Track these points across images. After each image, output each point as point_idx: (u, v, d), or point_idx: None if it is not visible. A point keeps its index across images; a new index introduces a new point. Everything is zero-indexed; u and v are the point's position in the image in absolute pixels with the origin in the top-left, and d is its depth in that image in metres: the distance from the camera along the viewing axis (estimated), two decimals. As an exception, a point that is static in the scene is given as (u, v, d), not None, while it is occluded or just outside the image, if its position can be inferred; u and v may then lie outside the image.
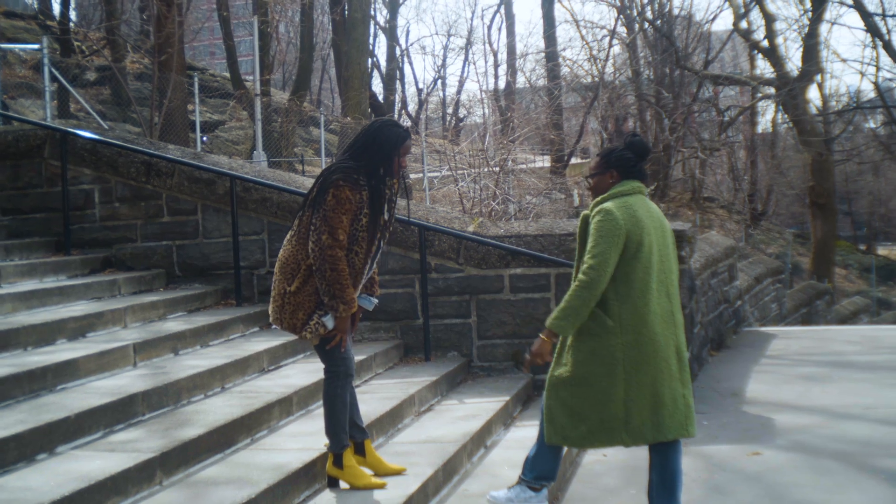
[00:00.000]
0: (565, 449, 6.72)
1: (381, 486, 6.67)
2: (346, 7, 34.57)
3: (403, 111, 59.85)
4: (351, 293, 6.49)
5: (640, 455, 8.71)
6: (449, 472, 7.42)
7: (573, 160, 48.14)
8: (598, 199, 6.52)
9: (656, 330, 6.31)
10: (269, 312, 6.78)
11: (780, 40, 43.07)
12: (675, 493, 6.54)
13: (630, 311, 6.29)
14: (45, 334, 8.53)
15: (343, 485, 6.76)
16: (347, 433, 6.73)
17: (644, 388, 6.31)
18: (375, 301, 7.06)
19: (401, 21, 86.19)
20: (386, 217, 6.84)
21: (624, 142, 6.69)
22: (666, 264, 6.49)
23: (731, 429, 9.59)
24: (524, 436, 8.77)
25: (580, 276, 6.29)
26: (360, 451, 6.93)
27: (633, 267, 6.29)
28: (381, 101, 47.20)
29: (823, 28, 44.80)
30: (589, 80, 48.98)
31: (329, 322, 6.54)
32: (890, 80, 53.91)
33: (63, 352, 8.12)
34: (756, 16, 48.59)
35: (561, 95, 46.26)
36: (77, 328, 8.92)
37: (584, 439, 6.49)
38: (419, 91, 66.35)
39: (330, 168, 6.68)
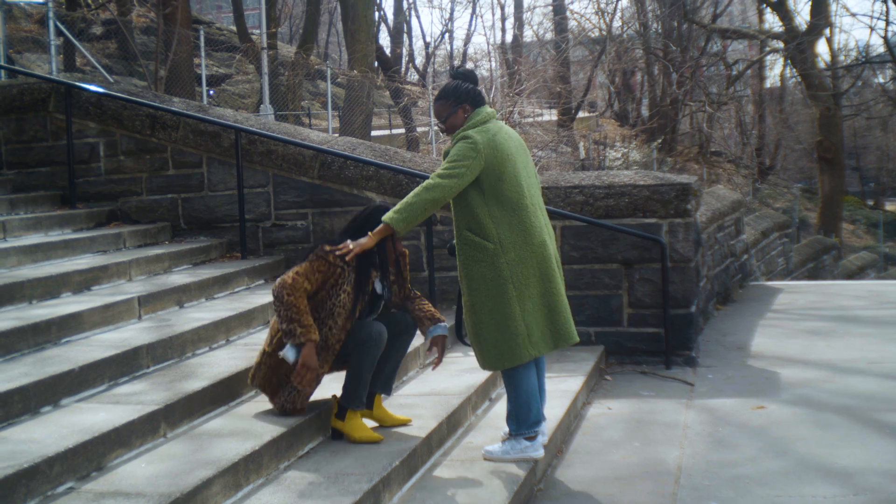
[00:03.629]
0: (536, 386, 6.78)
1: (379, 440, 6.71)
2: (353, -40, 34.42)
3: (410, 64, 59.61)
4: (309, 319, 6.43)
5: (644, 408, 8.76)
6: (453, 424, 7.43)
7: (580, 113, 48.08)
8: (458, 131, 6.68)
9: (536, 243, 6.57)
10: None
11: (788, -7, 42.83)
12: (543, 401, 6.94)
13: (507, 230, 6.51)
14: (49, 287, 8.53)
15: (370, 424, 6.95)
16: (366, 392, 6.78)
17: (535, 300, 6.59)
18: (445, 324, 7.14)
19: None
20: (381, 292, 6.97)
21: (455, 76, 6.90)
22: (531, 180, 6.76)
23: (736, 382, 9.60)
24: (529, 389, 8.79)
25: (430, 178, 6.48)
26: (368, 403, 6.98)
27: (501, 189, 6.52)
28: (388, 55, 47.00)
29: (833, -19, 44.89)
30: (596, 33, 48.99)
31: (288, 353, 6.47)
32: (899, 34, 53.64)
33: (68, 305, 8.12)
34: (765, -32, 48.32)
35: (568, 49, 46.24)
36: (82, 281, 8.93)
37: (498, 362, 6.66)
38: (426, 44, 65.82)
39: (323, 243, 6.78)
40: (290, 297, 6.41)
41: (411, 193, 6.53)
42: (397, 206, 6.50)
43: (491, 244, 6.52)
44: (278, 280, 6.50)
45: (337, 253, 6.55)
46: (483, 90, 7.03)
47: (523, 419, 6.77)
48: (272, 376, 6.70)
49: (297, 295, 6.43)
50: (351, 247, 6.57)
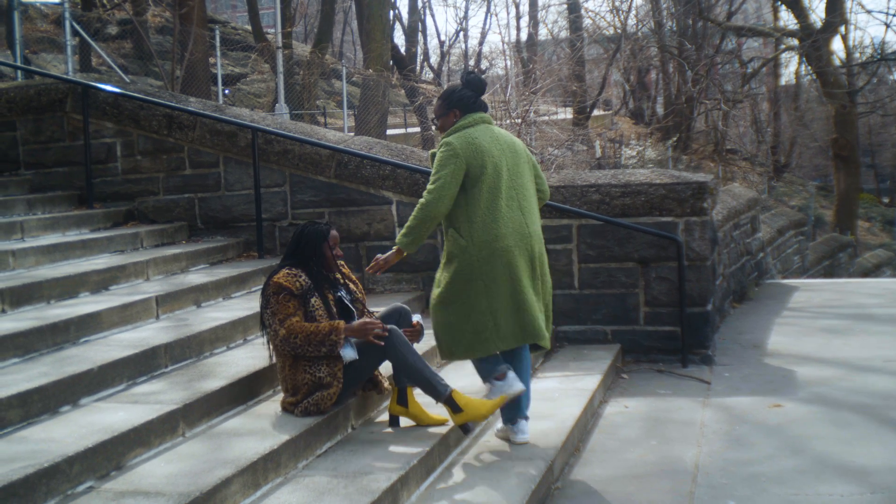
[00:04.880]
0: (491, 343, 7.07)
1: (445, 421, 6.99)
2: (368, -41, 34.40)
3: (425, 63, 59.65)
4: (322, 326, 6.63)
5: (661, 407, 8.76)
6: (470, 423, 7.45)
7: (595, 112, 48.01)
8: (444, 134, 7.06)
9: (508, 243, 6.85)
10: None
11: (803, -9, 42.67)
12: (527, 398, 7.23)
13: (480, 229, 6.84)
14: (67, 287, 8.57)
15: (403, 422, 7.08)
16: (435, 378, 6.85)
17: (503, 297, 6.88)
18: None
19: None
20: (345, 298, 7.11)
21: (461, 81, 7.24)
22: (517, 181, 7.05)
23: (753, 381, 9.60)
24: (546, 387, 8.79)
25: (421, 198, 6.92)
26: (402, 401, 7.06)
27: (479, 190, 6.87)
28: (403, 54, 46.99)
29: (848, -22, 44.87)
30: (611, 31, 48.91)
31: (348, 353, 6.74)
32: (915, 31, 53.50)
33: (86, 305, 8.15)
34: (780, -34, 48.17)
35: (583, 47, 46.16)
36: (100, 281, 8.96)
37: (466, 352, 7.02)
38: (441, 43, 66.06)
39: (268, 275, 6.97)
40: (295, 338, 6.60)
41: (412, 216, 6.94)
42: (403, 230, 7.00)
43: (464, 240, 6.87)
44: (276, 340, 6.71)
45: (368, 270, 7.06)
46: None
47: (488, 371, 7.06)
48: (297, 392, 6.75)
49: (298, 330, 6.61)
50: (381, 262, 7.09)
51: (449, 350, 7.08)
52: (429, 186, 6.90)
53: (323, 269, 6.98)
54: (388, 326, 6.79)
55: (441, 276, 7.06)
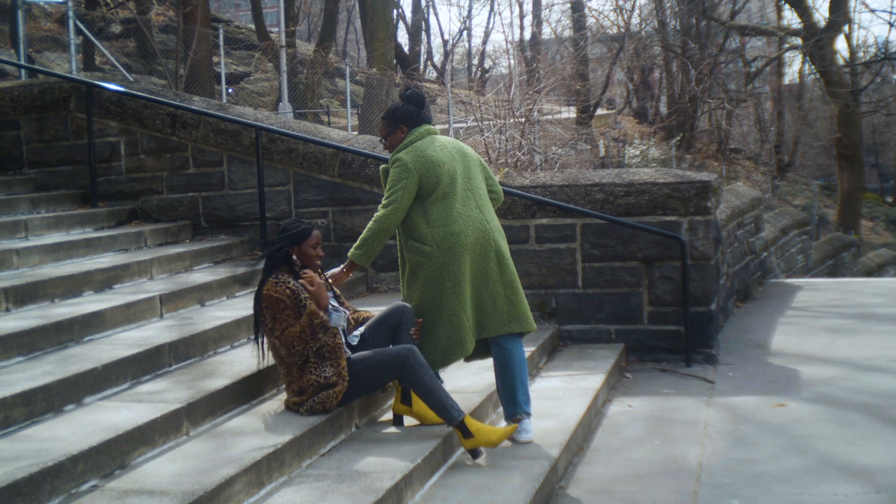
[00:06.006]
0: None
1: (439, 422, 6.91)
2: (371, -42, 34.38)
3: (429, 62, 59.64)
4: (305, 321, 6.59)
5: (664, 406, 8.76)
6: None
7: (599, 111, 47.99)
8: (394, 151, 7.29)
9: (466, 242, 7.04)
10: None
11: (807, -11, 42.58)
12: (516, 388, 7.23)
13: (441, 233, 7.03)
14: (71, 286, 8.57)
15: (407, 421, 7.11)
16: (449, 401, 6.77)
17: (467, 295, 7.03)
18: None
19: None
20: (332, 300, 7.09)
21: (401, 98, 7.42)
22: (471, 182, 7.26)
23: (757, 380, 9.59)
24: (550, 386, 8.79)
25: (377, 212, 7.15)
26: (406, 399, 7.07)
27: (435, 197, 7.08)
28: (407, 53, 47.01)
29: (852, -23, 44.83)
30: (615, 30, 48.84)
31: (338, 319, 6.78)
32: (919, 30, 53.39)
33: (90, 303, 8.15)
34: (783, -35, 48.09)
35: (587, 46, 46.13)
36: (104, 280, 8.96)
37: (444, 358, 7.13)
38: (445, 42, 66.04)
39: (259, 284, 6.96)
40: (294, 347, 6.59)
41: (365, 229, 7.20)
42: (357, 243, 7.21)
43: (428, 247, 7.03)
44: (279, 356, 6.73)
45: (310, 285, 6.81)
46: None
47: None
48: (301, 396, 6.73)
49: (290, 339, 6.59)
50: (329, 277, 7.19)
51: (431, 360, 7.05)
52: (384, 201, 7.10)
53: (304, 266, 6.94)
54: (409, 346, 6.78)
55: (411, 291, 7.21)
